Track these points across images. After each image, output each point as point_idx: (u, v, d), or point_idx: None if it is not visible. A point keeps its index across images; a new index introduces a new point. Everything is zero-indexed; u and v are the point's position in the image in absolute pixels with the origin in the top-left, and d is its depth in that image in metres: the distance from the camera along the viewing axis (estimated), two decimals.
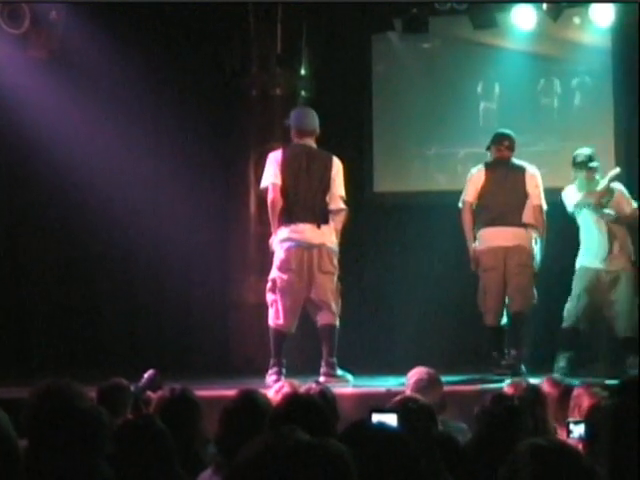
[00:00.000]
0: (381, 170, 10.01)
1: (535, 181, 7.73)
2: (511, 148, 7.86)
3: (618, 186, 7.90)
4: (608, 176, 7.81)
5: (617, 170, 7.92)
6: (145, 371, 5.22)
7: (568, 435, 4.04)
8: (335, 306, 7.13)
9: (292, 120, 7.35)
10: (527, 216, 7.67)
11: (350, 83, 9.91)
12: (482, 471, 3.38)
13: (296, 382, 5.03)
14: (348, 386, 6.89)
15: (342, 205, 7.20)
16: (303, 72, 9.48)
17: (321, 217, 7.10)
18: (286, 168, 7.09)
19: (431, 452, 3.36)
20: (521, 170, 7.75)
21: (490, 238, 7.68)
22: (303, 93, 9.45)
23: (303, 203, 7.08)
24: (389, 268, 9.80)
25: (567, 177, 9.18)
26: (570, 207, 7.86)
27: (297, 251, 7.05)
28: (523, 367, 7.47)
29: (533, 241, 7.67)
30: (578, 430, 3.67)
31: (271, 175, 7.11)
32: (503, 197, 7.67)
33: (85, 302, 9.43)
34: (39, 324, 9.25)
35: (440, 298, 9.28)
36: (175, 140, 9.48)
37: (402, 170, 10.06)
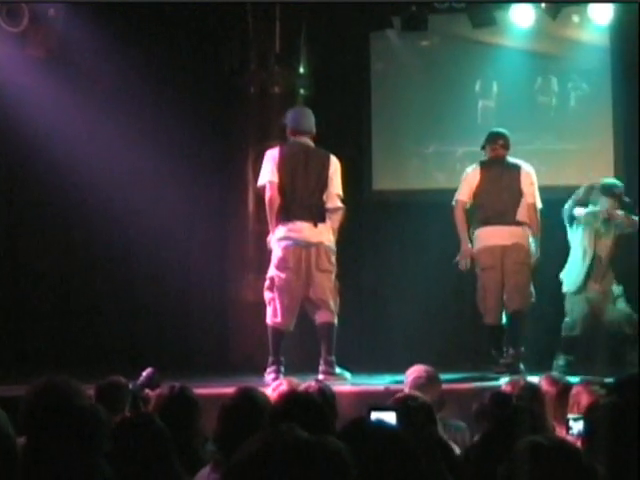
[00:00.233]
0: (380, 168, 10.01)
1: (530, 179, 7.71)
2: (506, 147, 7.84)
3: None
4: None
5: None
6: (143, 369, 5.22)
7: (567, 431, 4.04)
8: (333, 304, 7.13)
9: (288, 120, 7.35)
10: (522, 214, 7.67)
11: (349, 81, 9.91)
12: (482, 471, 3.38)
13: (295, 380, 5.03)
14: (346, 384, 6.89)
15: (339, 204, 7.20)
16: (302, 70, 9.48)
17: (318, 215, 7.10)
18: (283, 166, 7.09)
19: (430, 450, 3.36)
20: (516, 168, 7.74)
21: (487, 237, 7.68)
22: (302, 91, 9.45)
23: (300, 201, 7.08)
24: (388, 266, 9.80)
25: (565, 176, 9.22)
26: (573, 215, 7.87)
27: (295, 249, 7.05)
28: (522, 365, 7.47)
29: (529, 239, 7.68)
30: (577, 426, 3.67)
31: (268, 173, 7.11)
32: (498, 196, 7.66)
33: (84, 300, 9.43)
34: (38, 322, 9.25)
35: (439, 296, 9.28)
36: (174, 138, 9.48)
37: (401, 168, 10.06)
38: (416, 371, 5.19)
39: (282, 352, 7.12)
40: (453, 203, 7.79)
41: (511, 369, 7.31)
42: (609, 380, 4.66)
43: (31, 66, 8.39)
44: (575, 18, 9.51)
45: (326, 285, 7.12)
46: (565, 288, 7.95)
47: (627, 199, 7.89)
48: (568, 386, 4.94)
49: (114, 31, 8.73)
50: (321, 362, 7.10)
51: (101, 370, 5.65)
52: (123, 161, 9.03)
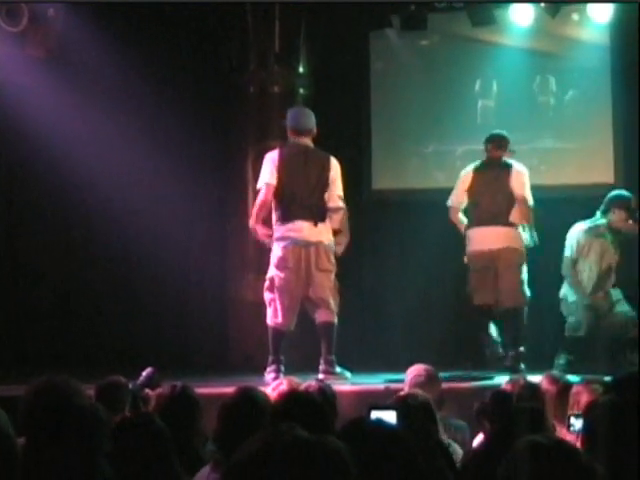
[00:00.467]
0: (379, 167, 10.01)
1: (521, 178, 7.68)
2: (500, 147, 7.82)
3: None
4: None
5: None
6: (143, 369, 5.22)
7: (568, 428, 4.04)
8: (333, 303, 7.14)
9: (288, 120, 7.35)
10: (515, 215, 7.66)
11: (348, 80, 9.91)
12: (483, 470, 3.38)
13: (295, 379, 5.03)
14: (347, 383, 6.89)
15: (340, 204, 7.20)
16: (301, 70, 9.47)
17: (318, 215, 7.11)
18: (283, 167, 7.10)
19: (430, 449, 3.36)
20: (508, 168, 7.72)
21: (478, 240, 7.70)
22: (301, 91, 9.45)
23: (300, 201, 7.09)
24: (387, 265, 9.80)
25: (565, 175, 9.21)
26: (576, 239, 7.86)
27: (294, 249, 7.05)
28: (522, 365, 7.47)
29: (522, 240, 7.66)
30: (578, 424, 3.67)
31: (267, 175, 7.12)
32: (491, 197, 7.66)
33: (84, 300, 9.43)
34: (37, 322, 9.25)
35: (438, 294, 9.28)
36: (173, 137, 9.48)
37: (400, 167, 10.06)
38: (416, 370, 5.20)
39: (282, 352, 7.12)
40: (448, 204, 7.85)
41: (512, 370, 7.31)
42: (609, 379, 4.66)
43: (31, 66, 8.38)
44: (575, 16, 9.51)
45: (326, 284, 7.12)
46: (567, 296, 7.91)
47: (635, 209, 7.87)
48: (568, 385, 4.94)
49: (113, 31, 8.73)
50: (321, 361, 7.11)
51: (101, 370, 5.65)
52: (123, 161, 9.03)
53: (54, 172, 8.82)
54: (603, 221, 7.85)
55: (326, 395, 4.29)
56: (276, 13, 9.25)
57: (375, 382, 6.86)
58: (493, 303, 7.66)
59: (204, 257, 9.47)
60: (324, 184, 7.15)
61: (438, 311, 9.32)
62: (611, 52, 9.47)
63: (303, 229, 7.06)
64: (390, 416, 3.13)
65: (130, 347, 9.02)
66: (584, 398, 4.49)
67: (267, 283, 7.16)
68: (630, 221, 7.85)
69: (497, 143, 7.83)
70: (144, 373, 5.16)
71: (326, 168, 7.18)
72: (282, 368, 7.03)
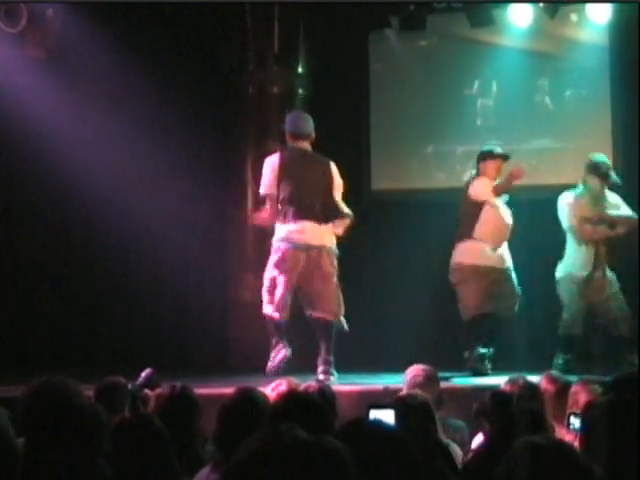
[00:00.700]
0: (379, 168, 10.01)
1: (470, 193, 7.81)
2: (476, 161, 7.98)
3: (614, 197, 7.91)
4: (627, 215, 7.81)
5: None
6: (143, 369, 5.22)
7: (568, 427, 4.04)
8: (334, 305, 7.14)
9: (287, 124, 7.37)
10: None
11: (348, 81, 9.91)
12: (482, 470, 3.38)
13: (294, 380, 5.04)
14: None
15: (347, 210, 7.23)
16: (300, 70, 9.48)
17: (322, 216, 7.12)
18: (284, 171, 7.10)
19: (429, 449, 3.37)
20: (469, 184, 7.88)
21: (458, 253, 7.86)
22: (300, 91, 9.45)
23: (303, 203, 7.08)
24: (387, 265, 9.80)
25: (564, 175, 9.20)
26: (571, 220, 7.83)
27: (295, 252, 7.06)
28: (489, 366, 7.68)
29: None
30: (578, 422, 3.67)
31: (267, 183, 7.13)
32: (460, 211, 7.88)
33: (83, 300, 9.44)
34: (37, 322, 9.25)
35: (438, 295, 9.28)
36: (173, 138, 9.48)
37: (400, 168, 10.06)
38: (414, 370, 5.20)
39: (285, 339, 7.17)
40: None
41: (474, 371, 7.55)
42: (607, 378, 4.66)
43: (30, 66, 8.39)
44: (573, 17, 9.51)
45: (327, 287, 7.12)
46: (563, 273, 7.89)
47: (614, 176, 7.84)
48: (567, 385, 4.94)
49: (112, 32, 8.73)
50: (320, 362, 7.11)
51: (100, 370, 5.65)
52: (122, 161, 9.03)
53: (54, 172, 8.82)
54: (581, 188, 7.85)
55: (325, 396, 4.29)
56: (275, 13, 9.25)
57: (375, 382, 6.86)
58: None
59: (204, 257, 9.47)
60: (326, 187, 7.17)
61: (438, 311, 9.31)
62: (610, 52, 9.47)
63: (306, 230, 7.07)
64: (389, 415, 3.14)
65: (129, 347, 9.03)
66: (583, 398, 4.49)
67: (267, 283, 7.16)
68: (609, 196, 7.82)
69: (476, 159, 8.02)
70: (143, 374, 5.15)
71: (327, 172, 7.20)
72: (289, 351, 7.06)
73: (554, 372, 5.63)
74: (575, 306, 7.80)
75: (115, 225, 9.15)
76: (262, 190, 7.19)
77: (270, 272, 7.16)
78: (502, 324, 7.92)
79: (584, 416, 2.84)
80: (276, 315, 7.11)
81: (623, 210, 7.85)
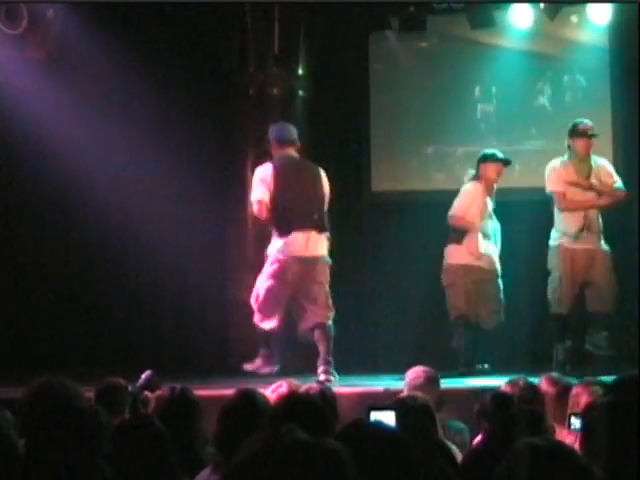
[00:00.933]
0: (379, 169, 10.01)
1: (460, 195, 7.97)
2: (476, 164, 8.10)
3: (602, 161, 7.91)
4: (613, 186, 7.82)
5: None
6: (142, 370, 5.21)
7: (568, 427, 4.03)
8: (327, 310, 7.16)
9: (271, 133, 7.43)
10: None
11: (348, 82, 9.91)
12: (482, 471, 3.38)
13: (295, 382, 5.03)
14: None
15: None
16: (300, 71, 9.48)
17: (319, 225, 7.14)
18: (276, 181, 7.11)
19: (429, 450, 3.36)
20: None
21: (449, 254, 8.01)
22: (300, 92, 9.45)
23: (298, 213, 7.11)
24: (387, 267, 9.79)
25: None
26: (555, 185, 7.82)
27: (293, 264, 7.08)
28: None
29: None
30: (578, 423, 3.66)
31: (259, 191, 7.13)
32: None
33: (83, 302, 9.43)
34: (37, 324, 9.24)
35: (438, 296, 9.27)
36: (173, 139, 9.48)
37: (400, 169, 10.05)
38: (415, 372, 5.21)
39: (277, 351, 7.19)
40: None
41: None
42: (607, 380, 4.66)
43: (30, 68, 8.39)
44: (574, 18, 9.51)
45: (320, 294, 7.16)
46: (554, 242, 7.88)
47: (595, 133, 7.82)
48: (568, 387, 4.93)
49: (112, 33, 8.73)
50: (320, 362, 7.11)
51: (100, 372, 5.65)
52: (122, 162, 9.04)
53: (54, 173, 8.82)
54: (567, 153, 7.86)
55: (326, 397, 4.29)
56: (275, 14, 9.25)
57: (375, 384, 6.87)
58: None
59: (203, 259, 9.46)
60: (321, 196, 7.21)
61: (438, 313, 9.30)
62: (610, 54, 9.47)
63: (305, 241, 7.09)
64: (389, 417, 3.14)
65: (129, 349, 9.02)
66: (584, 399, 4.48)
67: (262, 293, 7.17)
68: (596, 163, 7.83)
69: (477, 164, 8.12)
70: (143, 375, 5.16)
71: (318, 179, 7.25)
72: (276, 360, 7.08)
73: (554, 374, 5.63)
74: (562, 281, 7.76)
75: (115, 226, 9.16)
76: (254, 197, 7.16)
77: (265, 282, 7.18)
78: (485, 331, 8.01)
79: (584, 417, 2.84)
80: (268, 325, 7.13)
81: (610, 177, 7.85)
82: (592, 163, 7.82)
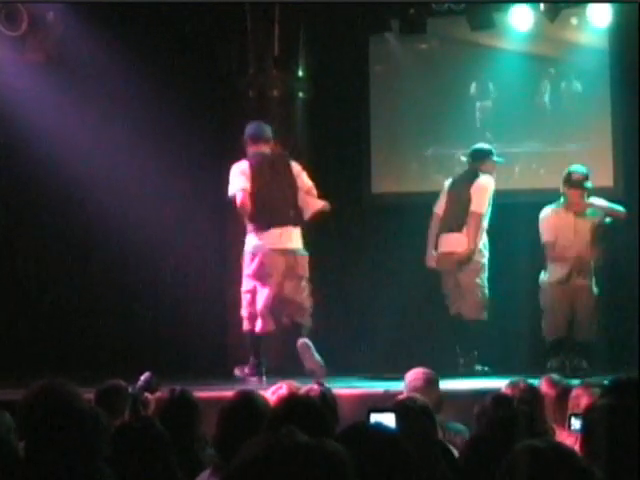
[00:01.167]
0: (379, 171, 10.01)
1: (479, 189, 7.96)
2: (473, 158, 8.17)
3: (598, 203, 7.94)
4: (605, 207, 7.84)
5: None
6: (142, 372, 5.22)
7: (569, 428, 4.03)
8: (308, 307, 7.22)
9: (247, 131, 7.55)
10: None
11: (347, 84, 9.91)
12: (480, 472, 3.38)
13: (294, 384, 5.03)
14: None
15: (322, 203, 7.27)
16: (300, 73, 9.48)
17: (296, 219, 7.22)
18: (253, 176, 7.21)
19: (429, 452, 3.37)
20: (473, 180, 8.01)
21: (442, 244, 8.17)
22: (300, 94, 9.45)
23: (276, 207, 7.19)
24: (387, 268, 9.78)
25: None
26: (545, 235, 7.89)
27: (274, 257, 7.14)
28: (478, 367, 7.91)
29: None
30: (578, 424, 3.67)
31: (240, 182, 7.19)
32: (450, 205, 8.12)
33: (83, 304, 9.43)
34: (36, 326, 9.24)
35: (438, 297, 9.27)
36: (173, 141, 9.48)
37: (400, 171, 10.06)
38: (415, 374, 5.20)
39: (265, 355, 7.24)
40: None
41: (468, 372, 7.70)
42: (606, 381, 4.66)
43: (30, 70, 8.39)
44: (574, 21, 9.51)
45: (301, 291, 7.19)
46: (544, 279, 7.93)
47: (589, 184, 7.85)
48: (568, 388, 4.94)
49: (112, 35, 8.74)
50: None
51: (100, 374, 5.65)
52: (122, 164, 9.04)
53: (54, 174, 8.83)
54: (561, 201, 7.87)
55: (326, 399, 4.29)
56: (275, 16, 9.25)
57: (375, 386, 6.87)
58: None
59: (203, 261, 9.46)
60: (295, 189, 7.29)
61: (438, 314, 9.30)
62: (610, 56, 9.47)
63: (279, 236, 7.17)
64: (389, 418, 3.14)
65: (129, 351, 9.02)
66: (584, 401, 4.49)
67: (246, 297, 7.23)
68: (589, 199, 7.83)
69: (471, 156, 8.22)
70: (142, 377, 5.16)
71: (292, 175, 7.35)
72: (264, 370, 7.13)
73: (554, 376, 5.63)
74: (555, 312, 7.88)
75: (115, 227, 9.15)
76: (231, 189, 7.25)
77: (248, 284, 7.24)
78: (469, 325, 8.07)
79: (585, 419, 2.84)
80: (258, 328, 7.17)
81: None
82: (586, 211, 7.87)
